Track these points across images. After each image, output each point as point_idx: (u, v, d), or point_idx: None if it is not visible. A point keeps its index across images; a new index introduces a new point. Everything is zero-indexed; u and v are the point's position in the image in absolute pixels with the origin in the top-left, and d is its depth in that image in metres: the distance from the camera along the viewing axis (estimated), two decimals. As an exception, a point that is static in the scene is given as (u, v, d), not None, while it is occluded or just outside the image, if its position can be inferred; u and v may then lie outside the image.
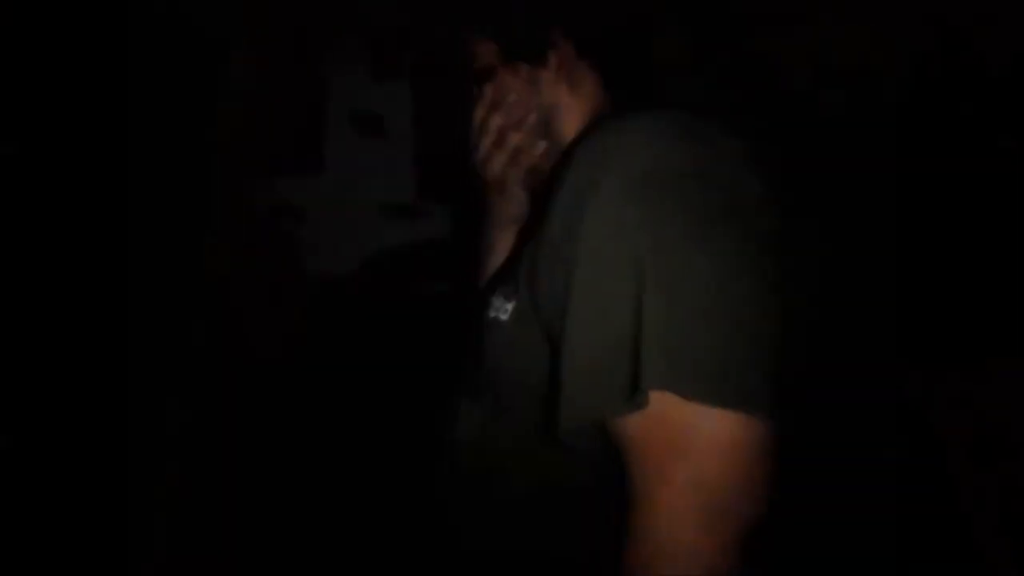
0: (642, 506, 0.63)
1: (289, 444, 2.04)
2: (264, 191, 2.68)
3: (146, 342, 1.98)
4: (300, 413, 2.13)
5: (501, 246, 0.94)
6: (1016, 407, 1.36)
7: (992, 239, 1.52)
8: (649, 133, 0.68)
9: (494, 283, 0.85)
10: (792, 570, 0.72)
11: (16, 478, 1.55)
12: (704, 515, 0.60)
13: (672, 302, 0.62)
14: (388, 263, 2.62)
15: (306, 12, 2.61)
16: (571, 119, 0.84)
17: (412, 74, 2.71)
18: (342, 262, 2.63)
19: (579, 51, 0.82)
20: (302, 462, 2.01)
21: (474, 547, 0.80)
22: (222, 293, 2.33)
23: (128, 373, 1.87)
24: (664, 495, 0.61)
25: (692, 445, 0.61)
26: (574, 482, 0.73)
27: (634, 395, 0.62)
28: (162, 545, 1.74)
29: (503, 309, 0.76)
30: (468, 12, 0.86)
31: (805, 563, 0.81)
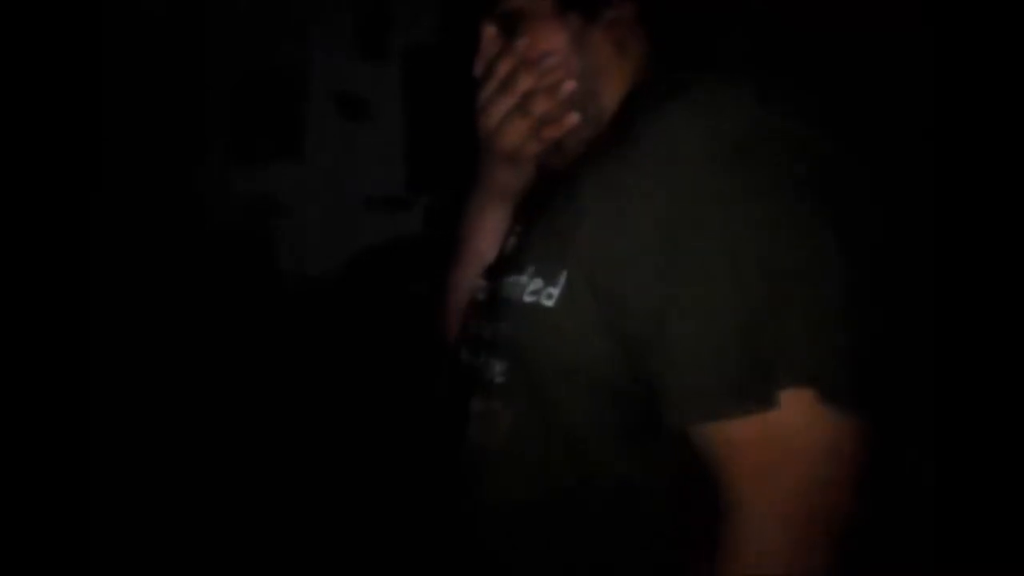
0: (742, 514, 0.63)
1: (268, 453, 2.04)
2: (239, 181, 2.64)
3: (116, 340, 1.99)
4: (280, 421, 2.11)
5: (493, 222, 0.90)
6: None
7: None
8: (730, 99, 0.68)
9: (517, 265, 0.79)
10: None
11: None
12: (813, 523, 0.61)
13: (800, 289, 0.62)
14: (375, 261, 2.57)
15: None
16: (613, 87, 0.79)
17: (401, 53, 2.66)
18: (325, 260, 2.58)
19: (641, 15, 0.77)
20: (283, 473, 2.00)
21: (514, 559, 0.77)
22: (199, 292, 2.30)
23: (95, 372, 1.90)
24: (770, 502, 0.62)
25: (809, 448, 0.62)
26: (629, 483, 0.72)
27: (767, 393, 0.61)
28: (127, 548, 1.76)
29: (545, 293, 0.73)
30: None
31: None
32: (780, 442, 0.62)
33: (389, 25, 2.67)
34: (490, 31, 0.80)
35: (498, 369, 0.77)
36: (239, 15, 2.58)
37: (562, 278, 0.72)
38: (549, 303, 0.72)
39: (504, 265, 0.84)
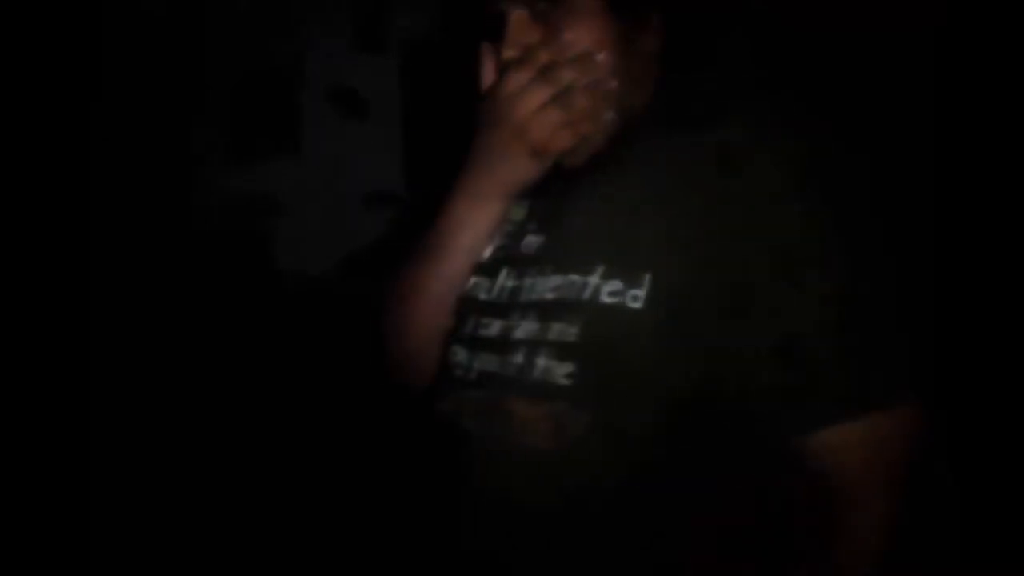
0: (861, 513, 0.71)
1: (268, 453, 2.05)
2: (237, 180, 2.64)
3: (114, 339, 2.02)
4: (280, 420, 2.12)
5: (488, 217, 0.86)
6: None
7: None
8: (798, 115, 0.75)
9: (573, 264, 0.78)
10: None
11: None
12: (899, 508, 0.71)
13: (899, 293, 0.71)
14: (373, 260, 2.57)
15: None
16: (642, 89, 0.80)
17: (399, 46, 2.66)
18: (321, 259, 2.57)
19: (669, 23, 0.80)
20: (283, 473, 2.02)
21: (533, 560, 0.77)
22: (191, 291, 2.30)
23: (94, 370, 1.92)
24: (887, 497, 0.70)
25: (910, 442, 0.71)
26: (663, 484, 0.74)
27: (891, 393, 0.70)
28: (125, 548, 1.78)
29: (630, 296, 0.73)
30: None
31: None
32: (892, 440, 0.70)
33: (387, 19, 2.66)
34: (520, 16, 0.79)
35: (561, 371, 0.75)
36: (238, 14, 2.57)
37: (646, 281, 0.73)
38: (637, 305, 0.72)
39: (526, 263, 0.82)
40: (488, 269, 0.86)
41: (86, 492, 1.79)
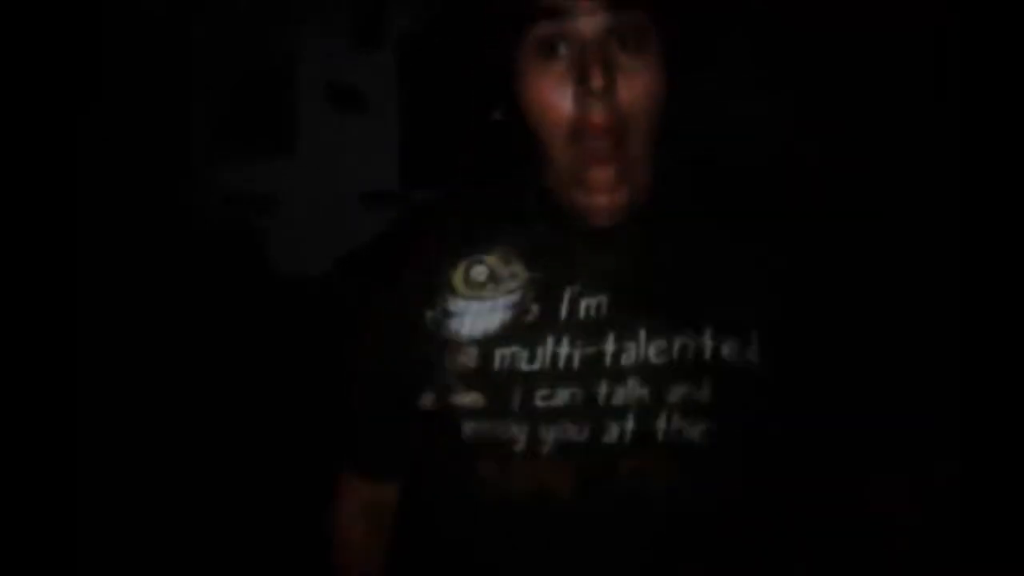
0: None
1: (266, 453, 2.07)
2: (234, 179, 2.64)
3: (105, 341, 2.00)
4: (276, 421, 2.13)
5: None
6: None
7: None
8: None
9: (683, 324, 0.78)
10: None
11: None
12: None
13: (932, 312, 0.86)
14: (370, 260, 2.57)
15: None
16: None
17: (398, 44, 2.68)
18: (316, 259, 2.56)
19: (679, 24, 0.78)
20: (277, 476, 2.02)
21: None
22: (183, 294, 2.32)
23: (83, 370, 1.91)
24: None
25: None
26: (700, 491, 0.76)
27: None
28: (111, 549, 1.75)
29: (751, 351, 0.76)
30: None
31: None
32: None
33: (386, 17, 2.66)
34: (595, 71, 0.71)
35: (695, 431, 0.76)
36: (237, 13, 2.57)
37: (755, 338, 0.76)
38: (756, 360, 0.76)
39: (595, 328, 0.78)
40: (521, 339, 0.79)
41: (73, 490, 1.80)
